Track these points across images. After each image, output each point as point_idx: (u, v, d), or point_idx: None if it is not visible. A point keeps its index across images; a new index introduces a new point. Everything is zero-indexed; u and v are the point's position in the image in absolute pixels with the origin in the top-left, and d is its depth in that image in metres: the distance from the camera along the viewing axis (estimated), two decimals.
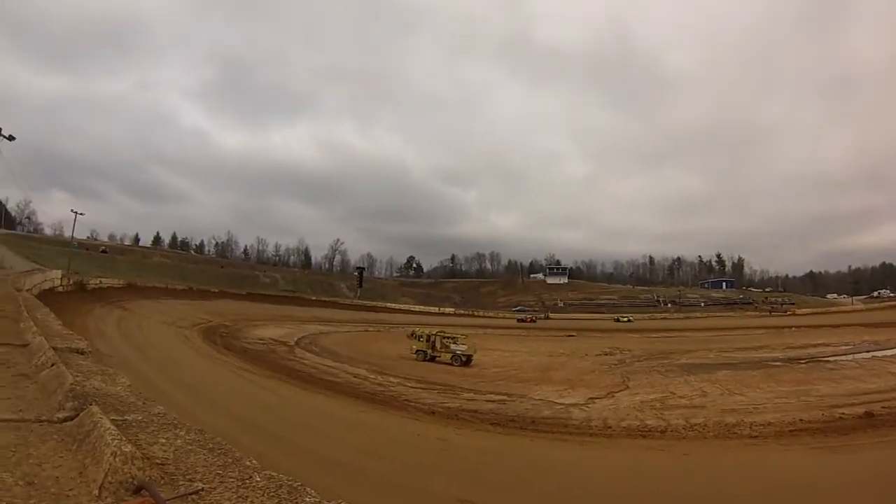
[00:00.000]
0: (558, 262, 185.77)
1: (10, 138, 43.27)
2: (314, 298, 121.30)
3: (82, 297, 52.99)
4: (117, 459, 1.76)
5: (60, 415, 2.48)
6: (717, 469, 16.63)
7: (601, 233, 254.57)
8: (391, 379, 31.80)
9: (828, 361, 36.80)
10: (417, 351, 42.28)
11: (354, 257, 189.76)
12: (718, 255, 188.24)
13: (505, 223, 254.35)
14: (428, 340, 42.33)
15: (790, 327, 77.10)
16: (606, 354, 46.79)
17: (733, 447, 18.77)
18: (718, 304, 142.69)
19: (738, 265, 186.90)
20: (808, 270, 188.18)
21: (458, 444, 19.80)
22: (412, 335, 44.97)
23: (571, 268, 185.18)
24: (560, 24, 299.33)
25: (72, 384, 2.75)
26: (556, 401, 26.07)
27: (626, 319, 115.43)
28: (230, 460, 2.08)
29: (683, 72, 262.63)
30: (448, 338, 42.25)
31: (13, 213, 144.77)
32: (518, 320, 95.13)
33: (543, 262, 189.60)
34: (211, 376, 30.21)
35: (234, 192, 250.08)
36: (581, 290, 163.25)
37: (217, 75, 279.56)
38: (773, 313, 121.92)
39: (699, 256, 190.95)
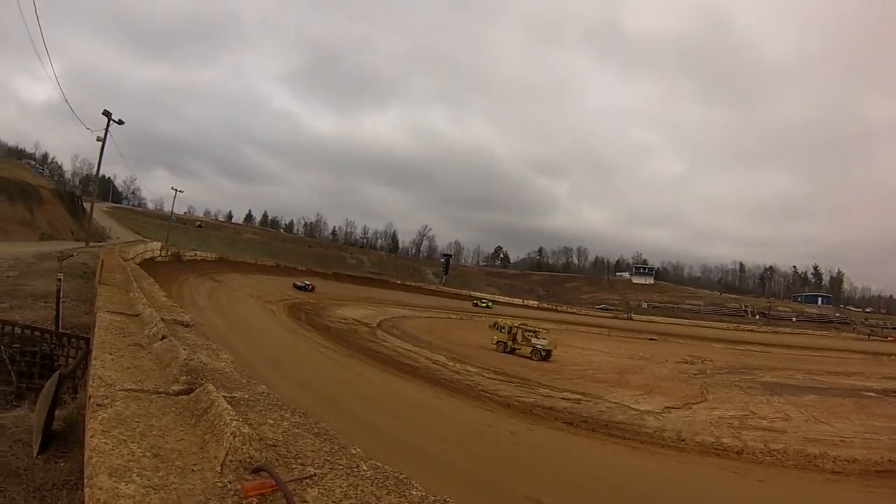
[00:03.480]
0: (645, 262, 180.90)
1: (119, 122, 46.35)
2: (399, 282, 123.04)
3: (178, 267, 55.73)
4: (237, 439, 1.83)
5: (175, 387, 2.59)
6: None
7: (691, 233, 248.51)
8: (469, 368, 31.91)
9: None
10: (498, 342, 42.02)
11: (442, 244, 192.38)
12: (815, 267, 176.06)
13: (594, 217, 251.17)
14: (509, 332, 42.01)
15: (891, 355, 72.08)
16: (686, 363, 44.94)
17: (813, 481, 17.59)
18: (811, 321, 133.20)
19: (837, 280, 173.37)
20: None
21: (529, 440, 19.71)
22: (494, 326, 44.61)
23: (658, 268, 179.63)
24: (652, 9, 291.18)
25: (185, 359, 2.87)
26: (631, 406, 25.48)
27: (485, 304, 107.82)
28: (337, 447, 2.12)
29: (784, 63, 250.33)
30: (530, 331, 41.88)
31: (120, 189, 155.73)
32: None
33: (630, 261, 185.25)
34: (294, 351, 31.12)
35: (323, 173, 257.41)
36: (666, 292, 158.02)
37: (305, 61, 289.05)
38: (872, 337, 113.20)
39: (794, 267, 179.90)
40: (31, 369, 6.03)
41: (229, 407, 2.11)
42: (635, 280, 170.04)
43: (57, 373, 4.44)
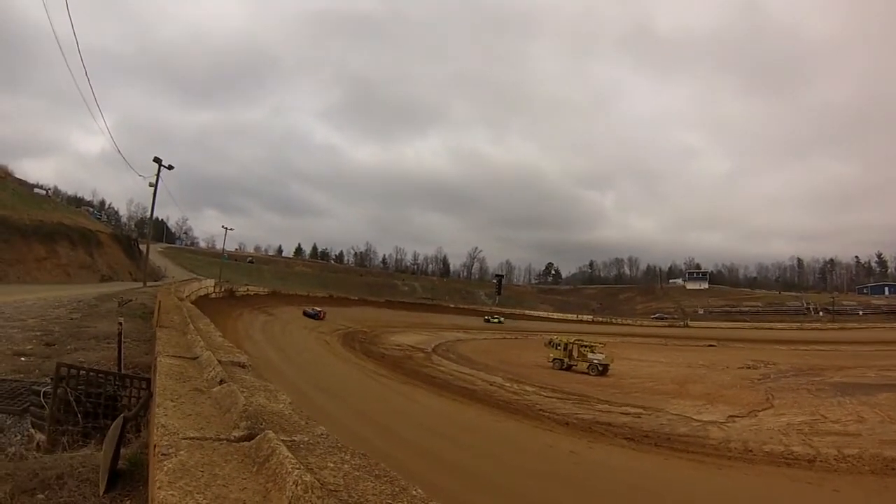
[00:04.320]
0: (698, 267, 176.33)
1: (169, 167, 48.99)
2: (452, 306, 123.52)
3: (232, 302, 56.96)
4: (299, 488, 1.83)
5: (236, 433, 2.63)
6: None
7: (743, 233, 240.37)
8: (527, 388, 31.63)
9: None
10: (554, 359, 41.93)
11: (493, 265, 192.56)
12: (879, 255, 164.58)
13: (643, 226, 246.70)
14: (565, 349, 41.85)
15: None
16: (749, 368, 42.91)
17: (892, 486, 16.51)
18: (880, 313, 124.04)
19: None
20: None
21: (589, 459, 19.27)
22: (549, 343, 44.50)
23: (712, 272, 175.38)
24: (683, 7, 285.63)
25: (244, 405, 2.91)
26: (694, 417, 24.77)
27: (496, 320, 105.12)
28: (398, 489, 2.12)
29: (825, 43, 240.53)
30: (585, 346, 41.54)
31: (173, 230, 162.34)
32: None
33: (683, 267, 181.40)
34: (349, 380, 31.27)
35: (370, 203, 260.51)
36: (722, 296, 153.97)
37: (345, 95, 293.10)
38: None
39: (855, 257, 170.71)
40: (97, 410, 6.37)
41: (290, 455, 2.13)
42: (689, 286, 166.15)
43: (122, 416, 4.61)
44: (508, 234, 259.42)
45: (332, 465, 2.33)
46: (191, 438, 2.53)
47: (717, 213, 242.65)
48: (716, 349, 64.00)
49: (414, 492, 2.09)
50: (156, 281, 55.84)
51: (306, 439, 2.68)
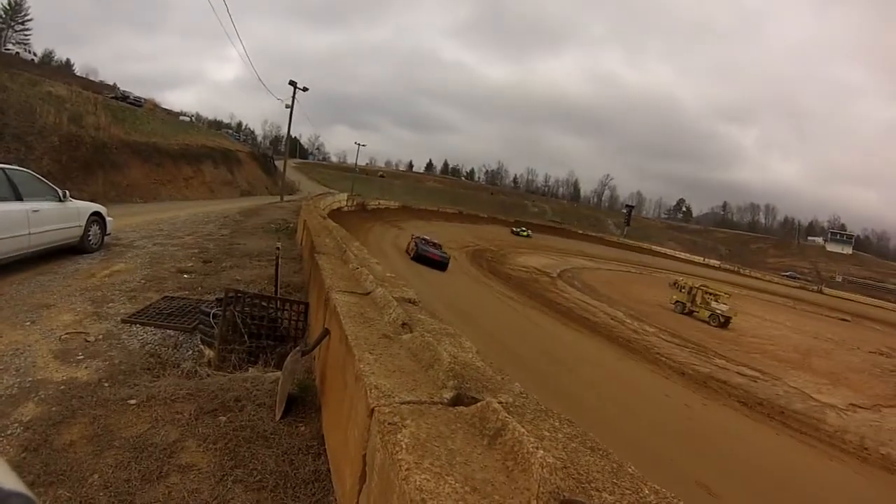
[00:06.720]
0: (843, 227, 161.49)
1: (304, 89, 53.51)
2: (580, 232, 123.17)
3: (363, 216, 59.19)
4: (545, 470, 1.82)
5: (446, 395, 2.60)
6: None
7: None
8: (647, 327, 31.41)
9: None
10: (677, 302, 41.75)
11: (623, 194, 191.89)
12: None
13: (786, 171, 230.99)
14: (689, 293, 41.36)
15: None
16: (883, 355, 38.21)
17: None
18: None
19: None
20: None
21: (702, 417, 18.98)
22: (674, 285, 44.15)
23: (858, 236, 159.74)
24: None
25: (450, 362, 2.89)
26: (812, 395, 23.54)
27: (525, 234, 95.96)
28: (615, 465, 2.08)
29: None
30: (710, 294, 40.61)
31: (306, 146, 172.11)
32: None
33: (825, 224, 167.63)
34: (477, 300, 31.58)
35: (504, 122, 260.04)
36: (867, 266, 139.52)
37: (474, 11, 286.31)
38: None
39: None
40: (260, 331, 6.88)
41: (526, 431, 2.10)
42: (830, 247, 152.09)
43: (298, 350, 4.99)
44: (641, 163, 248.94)
45: (547, 434, 2.27)
46: (408, 403, 2.47)
47: (875, 168, 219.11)
48: (849, 325, 57.83)
49: (630, 469, 2.06)
50: (290, 194, 58.73)
51: (510, 400, 2.62)
